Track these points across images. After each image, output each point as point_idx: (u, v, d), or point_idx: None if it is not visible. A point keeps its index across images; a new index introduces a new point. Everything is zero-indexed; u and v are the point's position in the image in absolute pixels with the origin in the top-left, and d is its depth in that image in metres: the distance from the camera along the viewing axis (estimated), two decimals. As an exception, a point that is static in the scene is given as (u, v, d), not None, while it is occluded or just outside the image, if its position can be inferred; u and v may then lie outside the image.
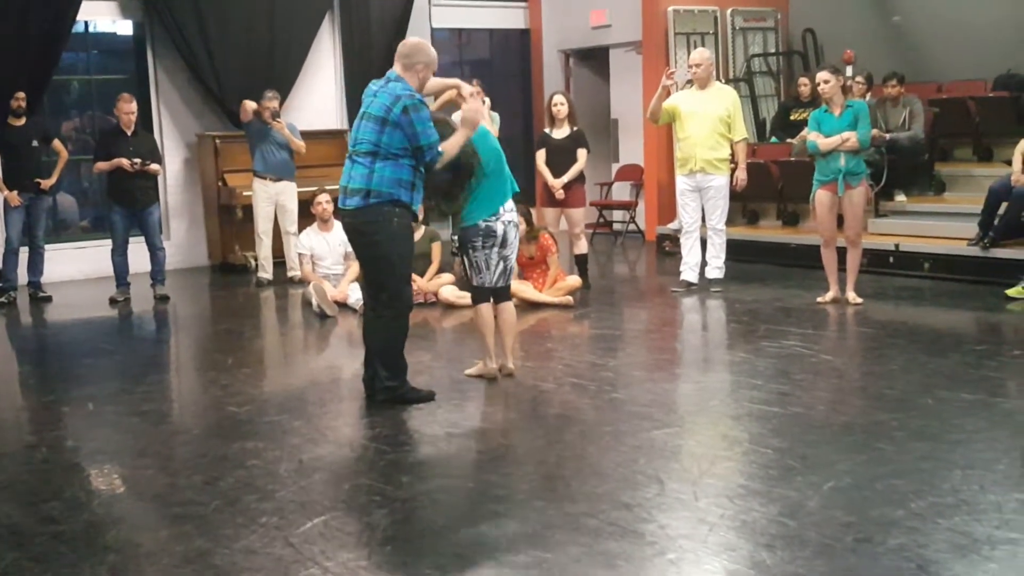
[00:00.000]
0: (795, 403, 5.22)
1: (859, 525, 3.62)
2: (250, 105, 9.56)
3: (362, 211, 5.18)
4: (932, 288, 8.31)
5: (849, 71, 9.64)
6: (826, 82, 7.41)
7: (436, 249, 8.46)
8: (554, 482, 4.24)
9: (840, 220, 7.67)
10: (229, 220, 10.58)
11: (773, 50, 12.17)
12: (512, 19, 13.36)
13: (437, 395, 5.47)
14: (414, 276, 8.36)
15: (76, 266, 10.28)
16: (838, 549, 3.44)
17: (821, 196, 7.56)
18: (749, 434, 4.76)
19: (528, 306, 7.98)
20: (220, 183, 10.61)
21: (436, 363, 6.35)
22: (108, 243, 9.13)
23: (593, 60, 13.18)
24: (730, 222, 8.78)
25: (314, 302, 8.04)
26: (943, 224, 9.10)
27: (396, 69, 5.29)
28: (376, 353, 5.41)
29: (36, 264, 9.27)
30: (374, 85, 5.34)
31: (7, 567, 3.55)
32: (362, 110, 5.28)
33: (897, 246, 8.90)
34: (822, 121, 7.47)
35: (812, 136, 7.49)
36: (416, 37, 5.53)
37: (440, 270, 8.50)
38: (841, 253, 7.69)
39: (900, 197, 9.75)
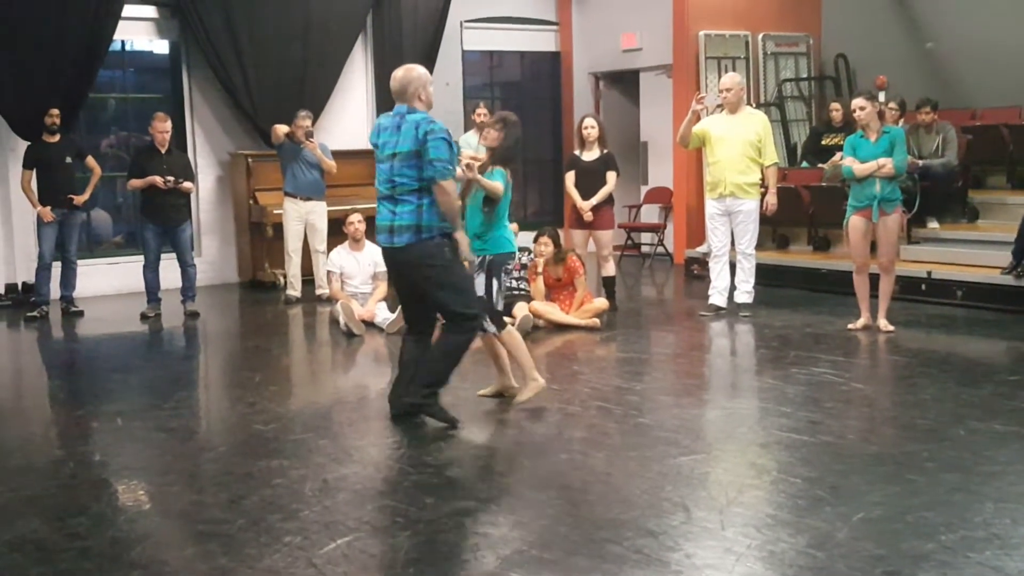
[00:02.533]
0: (825, 432, 5.16)
1: (889, 558, 3.56)
2: (281, 129, 9.65)
3: (414, 247, 5.20)
4: (965, 317, 8.21)
5: (882, 97, 9.58)
6: (862, 108, 7.36)
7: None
8: (578, 507, 4.20)
9: (873, 246, 7.61)
10: (259, 238, 10.67)
11: (805, 75, 12.14)
12: (543, 42, 13.40)
13: (462, 416, 5.44)
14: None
15: (108, 281, 10.39)
16: (867, 582, 3.39)
17: (855, 222, 7.51)
18: (777, 463, 4.71)
19: (555, 328, 7.97)
20: (251, 201, 10.70)
21: (462, 384, 6.31)
22: (140, 259, 9.21)
23: (623, 83, 13.20)
24: (760, 246, 8.74)
25: (341, 321, 8.07)
26: (976, 252, 9.00)
27: (403, 103, 5.25)
28: (429, 364, 5.35)
29: (68, 279, 9.37)
30: (386, 120, 5.34)
31: (33, 582, 3.57)
32: (388, 151, 5.21)
33: (929, 273, 8.81)
34: (858, 147, 7.42)
35: (847, 161, 7.44)
36: (400, 68, 5.31)
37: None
38: (872, 280, 7.63)
39: (933, 224, 9.66)
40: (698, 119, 8.33)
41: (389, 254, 5.35)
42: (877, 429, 5.39)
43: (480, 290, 5.60)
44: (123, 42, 10.84)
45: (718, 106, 8.75)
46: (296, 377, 7.19)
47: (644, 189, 12.76)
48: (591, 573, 3.50)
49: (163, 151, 8.98)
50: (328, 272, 8.77)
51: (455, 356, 5.39)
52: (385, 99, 11.78)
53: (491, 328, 5.65)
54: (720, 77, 9.68)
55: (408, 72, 5.28)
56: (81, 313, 9.31)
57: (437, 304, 5.37)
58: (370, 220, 9.54)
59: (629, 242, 12.52)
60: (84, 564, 3.72)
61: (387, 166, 5.25)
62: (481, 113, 9.69)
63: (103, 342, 8.59)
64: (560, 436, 5.30)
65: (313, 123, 9.93)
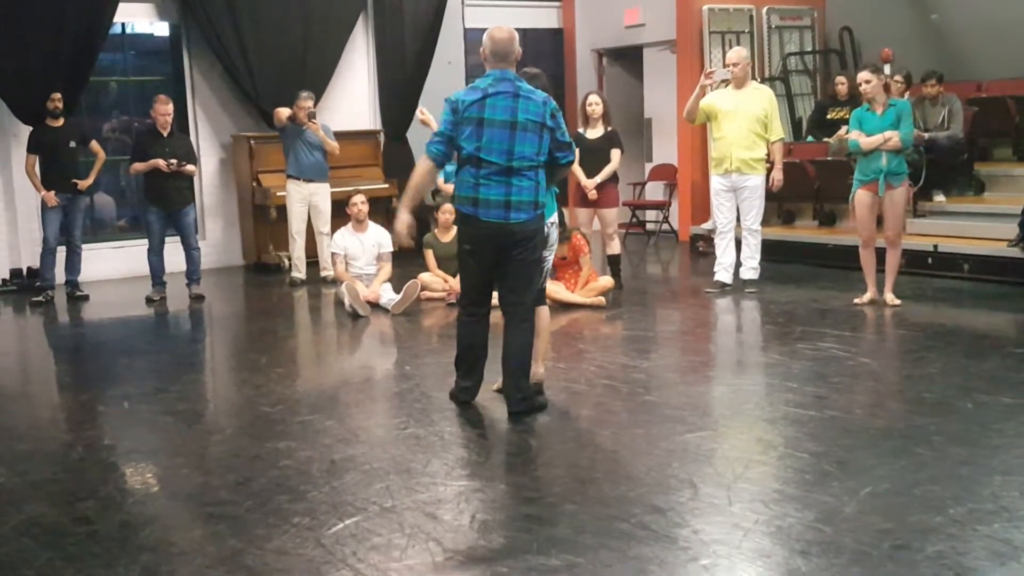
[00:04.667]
0: (832, 407, 5.15)
1: (896, 532, 3.56)
2: (283, 112, 9.62)
3: (531, 223, 5.02)
4: (971, 289, 8.19)
5: (887, 69, 9.51)
6: (867, 82, 7.31)
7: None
8: (586, 485, 4.20)
9: (879, 220, 7.58)
10: (263, 220, 10.66)
11: (809, 48, 12.06)
12: (545, 19, 13.33)
13: (469, 395, 5.42)
14: (447, 277, 8.40)
15: (113, 265, 10.39)
16: (875, 556, 3.39)
17: (861, 196, 7.47)
18: (784, 438, 4.71)
19: (560, 307, 7.95)
20: (255, 183, 10.69)
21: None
22: (144, 243, 9.21)
23: (627, 59, 13.12)
24: (765, 222, 8.72)
25: (346, 302, 8.06)
26: (983, 225, 8.96)
27: (506, 67, 5.01)
28: (518, 363, 5.14)
29: (73, 263, 9.38)
30: (492, 83, 4.94)
31: (41, 566, 3.58)
32: (504, 117, 4.90)
33: (936, 247, 8.78)
34: (864, 120, 7.37)
35: (854, 135, 7.39)
36: (502, 29, 5.03)
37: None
38: (879, 254, 7.60)
39: (939, 197, 9.62)
40: (704, 94, 8.28)
41: (498, 229, 4.96)
42: (884, 403, 5.39)
43: None
44: (123, 24, 10.79)
45: (723, 81, 8.70)
46: (302, 359, 7.20)
47: (648, 166, 12.71)
48: (598, 550, 3.50)
49: (165, 134, 8.96)
50: (332, 254, 8.76)
51: (532, 339, 5.23)
52: (387, 78, 11.77)
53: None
54: (724, 52, 9.62)
55: (513, 34, 5.05)
56: (86, 297, 9.32)
57: (527, 280, 5.11)
58: (373, 201, 9.58)
59: (634, 220, 12.48)
60: (93, 548, 3.73)
61: (504, 133, 4.91)
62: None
63: (108, 326, 8.60)
64: (567, 414, 5.30)
65: (315, 104, 9.90)
